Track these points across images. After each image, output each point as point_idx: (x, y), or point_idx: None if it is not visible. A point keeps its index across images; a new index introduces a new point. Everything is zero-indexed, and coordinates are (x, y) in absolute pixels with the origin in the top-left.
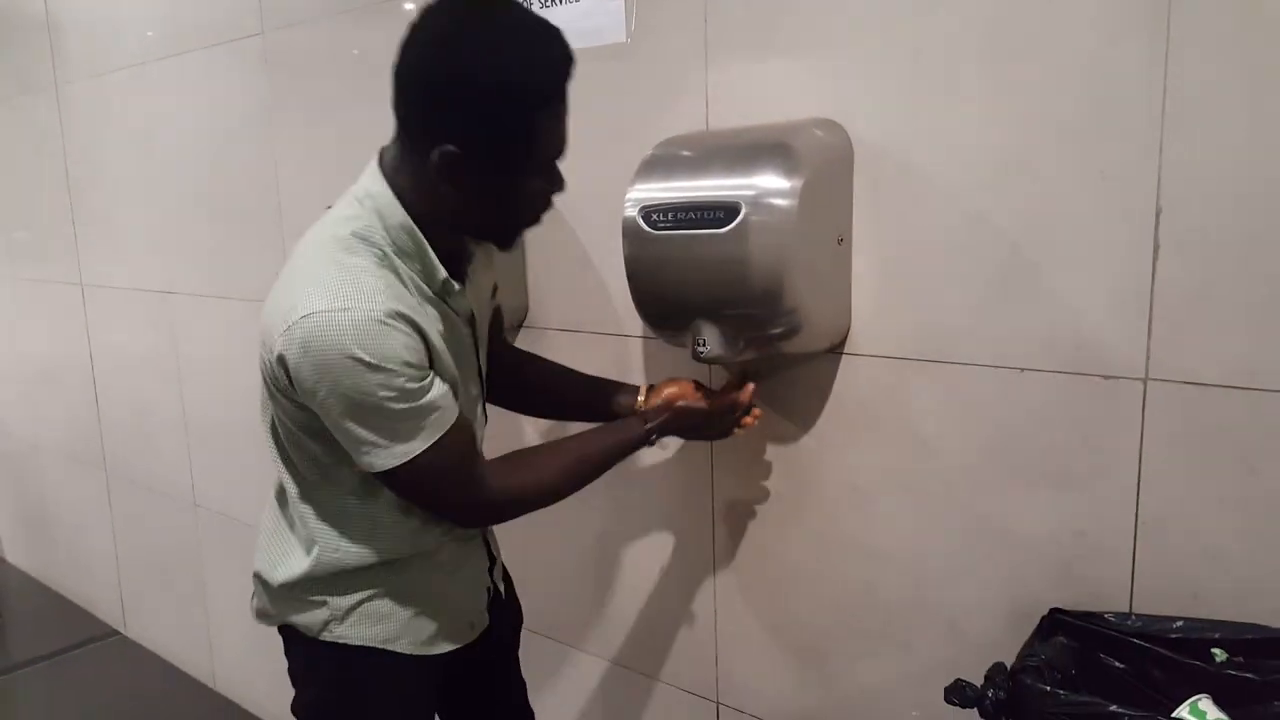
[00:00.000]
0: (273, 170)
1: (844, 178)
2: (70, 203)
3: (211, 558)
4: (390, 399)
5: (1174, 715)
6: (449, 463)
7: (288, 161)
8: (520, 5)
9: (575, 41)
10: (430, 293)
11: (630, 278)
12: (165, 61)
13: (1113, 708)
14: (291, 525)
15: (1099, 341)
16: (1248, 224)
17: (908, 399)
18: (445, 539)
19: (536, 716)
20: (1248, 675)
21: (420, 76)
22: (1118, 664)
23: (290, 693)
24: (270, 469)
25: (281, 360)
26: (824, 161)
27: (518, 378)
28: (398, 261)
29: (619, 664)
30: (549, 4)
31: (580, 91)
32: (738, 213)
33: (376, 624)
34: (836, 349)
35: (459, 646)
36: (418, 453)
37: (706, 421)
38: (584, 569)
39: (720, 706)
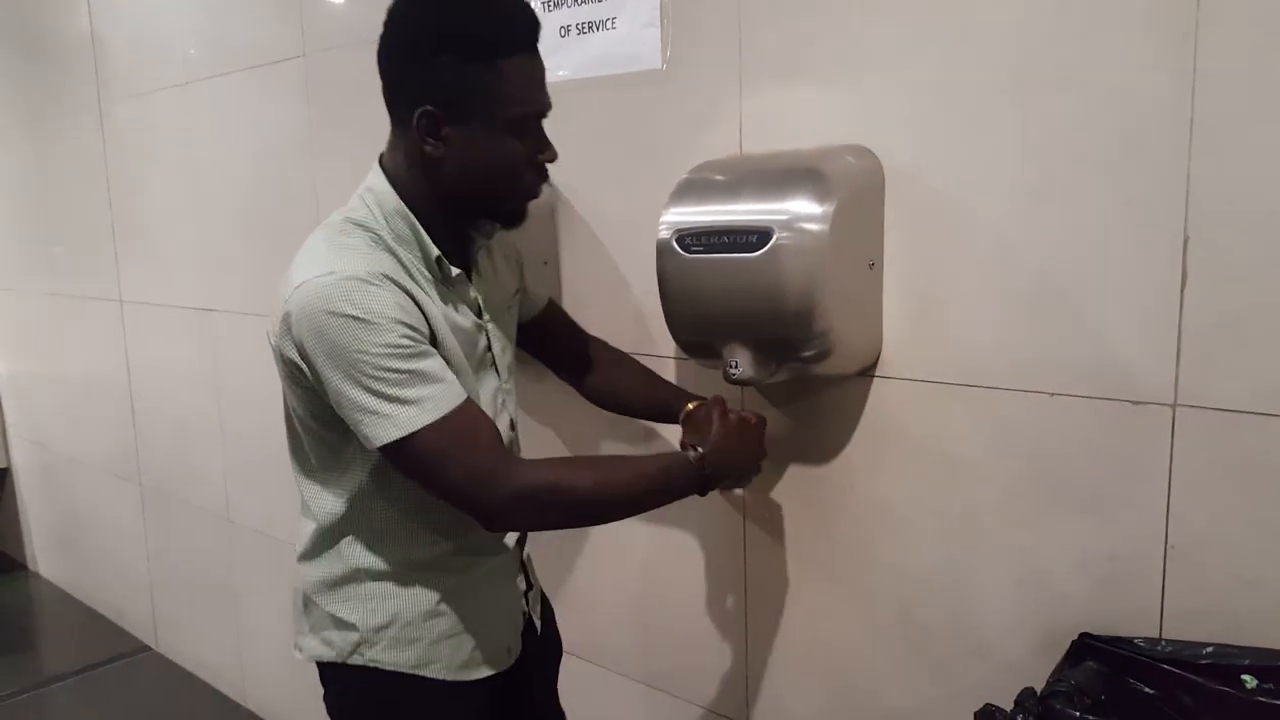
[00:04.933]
0: (312, 191)
1: (875, 203)
2: (111, 220)
3: (244, 573)
4: (384, 355)
5: None
6: (458, 443)
7: (326, 182)
8: None
9: (611, 68)
10: (433, 279)
11: (664, 299)
12: (207, 82)
13: None
14: (314, 521)
15: (1127, 367)
16: (1276, 251)
17: (939, 422)
18: (467, 555)
19: None
20: (1279, 702)
21: (392, 51)
22: (1147, 689)
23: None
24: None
25: (284, 332)
26: (856, 187)
27: (591, 365)
28: (397, 248)
29: (651, 686)
30: (585, 31)
31: (616, 117)
32: (770, 237)
33: (407, 648)
34: (868, 372)
35: (497, 673)
36: (420, 426)
37: (737, 446)
38: (616, 591)
39: None
